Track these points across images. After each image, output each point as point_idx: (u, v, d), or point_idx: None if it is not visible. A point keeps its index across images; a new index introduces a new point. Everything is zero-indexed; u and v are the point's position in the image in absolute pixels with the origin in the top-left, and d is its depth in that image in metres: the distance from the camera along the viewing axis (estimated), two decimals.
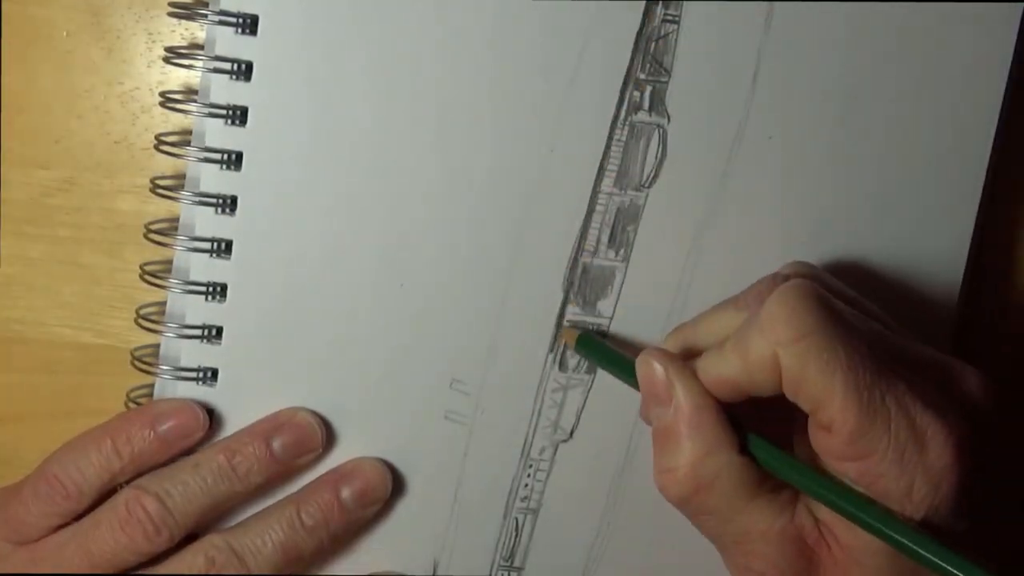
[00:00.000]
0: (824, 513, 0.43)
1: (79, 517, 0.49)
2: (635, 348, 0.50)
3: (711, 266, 0.51)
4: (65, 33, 0.52)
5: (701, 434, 0.43)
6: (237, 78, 0.48)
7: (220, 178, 0.49)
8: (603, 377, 0.52)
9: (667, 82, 0.49)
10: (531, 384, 0.52)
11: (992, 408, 0.43)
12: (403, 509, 0.52)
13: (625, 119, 0.49)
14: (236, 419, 0.50)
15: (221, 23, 0.47)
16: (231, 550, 0.48)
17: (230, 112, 0.48)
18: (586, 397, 0.52)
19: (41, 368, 0.54)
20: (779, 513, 0.43)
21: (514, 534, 0.53)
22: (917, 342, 0.45)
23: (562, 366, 0.52)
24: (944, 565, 0.39)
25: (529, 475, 0.52)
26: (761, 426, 0.44)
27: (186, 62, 0.48)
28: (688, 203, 0.50)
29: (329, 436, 0.51)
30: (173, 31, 0.52)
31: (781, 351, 0.41)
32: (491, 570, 0.53)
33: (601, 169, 0.50)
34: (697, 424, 0.43)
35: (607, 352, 0.49)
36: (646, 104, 0.49)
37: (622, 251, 0.51)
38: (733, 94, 0.49)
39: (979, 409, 0.43)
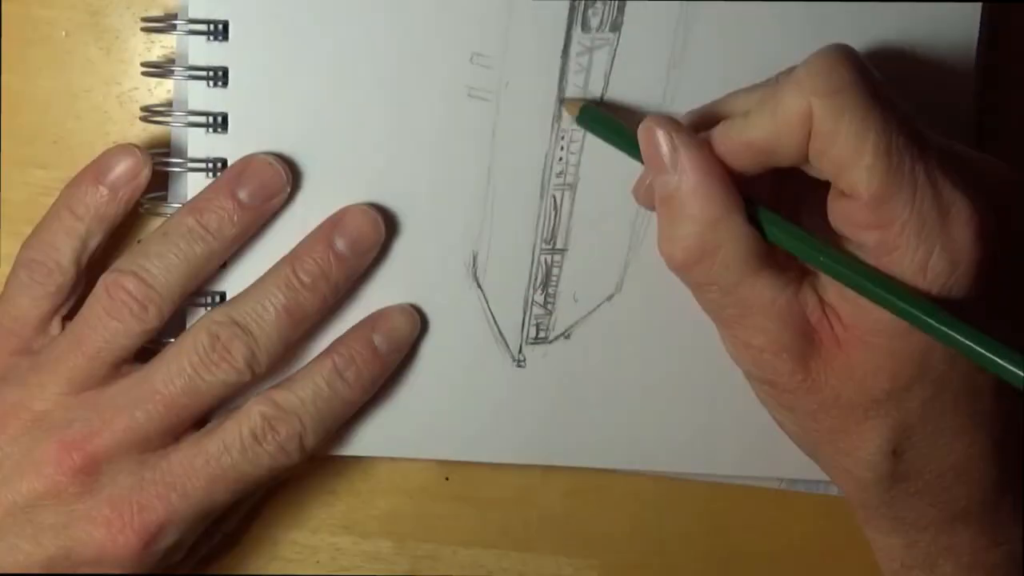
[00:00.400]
0: (830, 294, 0.43)
1: (70, 296, 0.49)
2: (639, 119, 0.47)
3: None
4: (64, 33, 0.52)
5: (709, 201, 0.42)
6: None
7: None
8: (629, 35, 0.49)
9: None
10: (555, 49, 0.50)
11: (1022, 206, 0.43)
12: (434, 198, 0.50)
13: None
14: None
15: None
16: (233, 322, 0.47)
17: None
18: (613, 57, 0.50)
19: None
20: (783, 288, 0.42)
21: (553, 213, 0.51)
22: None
23: (585, 26, 0.49)
24: (955, 335, 0.38)
25: (562, 147, 0.50)
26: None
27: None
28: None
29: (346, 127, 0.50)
30: None
31: (816, 102, 0.40)
32: (533, 255, 0.51)
33: None
34: (704, 191, 0.42)
35: (611, 123, 0.48)
36: None
37: None
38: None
39: (1008, 203, 0.42)
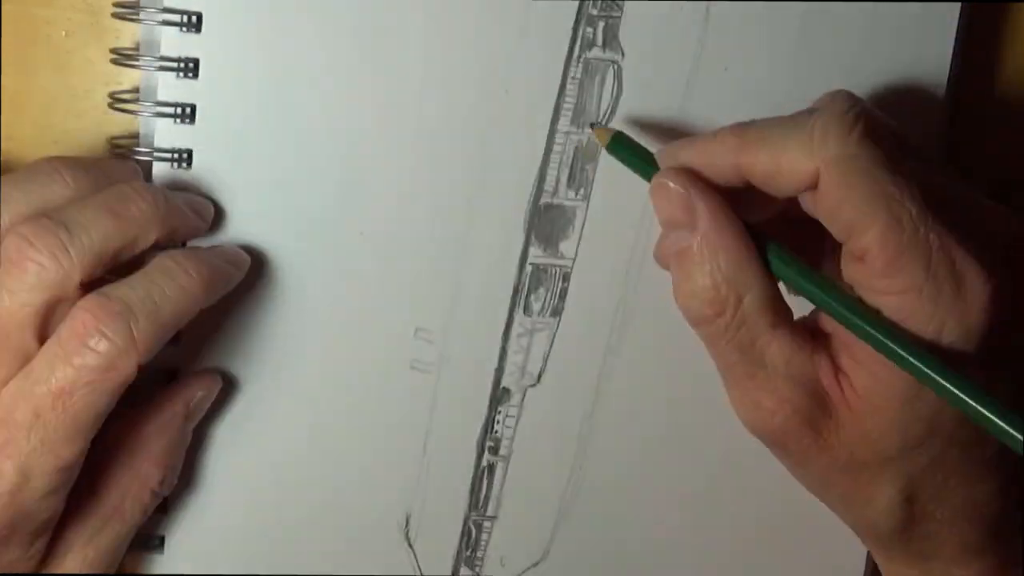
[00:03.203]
0: (843, 359, 0.42)
1: None
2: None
3: None
4: (64, 33, 0.52)
5: (726, 254, 0.41)
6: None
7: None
8: (569, 320, 0.51)
9: (619, 17, 0.49)
10: (496, 329, 0.51)
11: None
12: (372, 462, 0.52)
13: (579, 56, 0.50)
14: None
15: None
16: (40, 217, 0.43)
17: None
18: (552, 341, 0.52)
19: None
20: (799, 348, 0.42)
21: (486, 482, 0.52)
22: (955, 179, 0.43)
23: (527, 310, 0.51)
24: (969, 401, 0.38)
25: (498, 422, 0.52)
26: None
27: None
28: (647, 138, 0.49)
29: (291, 391, 0.50)
30: None
31: (825, 169, 0.39)
32: (465, 520, 0.53)
33: (557, 108, 0.50)
34: (722, 244, 0.41)
35: (643, 154, 0.46)
36: (599, 40, 0.49)
37: (582, 190, 0.50)
38: (687, 27, 0.49)
39: (1016, 254, 0.41)
